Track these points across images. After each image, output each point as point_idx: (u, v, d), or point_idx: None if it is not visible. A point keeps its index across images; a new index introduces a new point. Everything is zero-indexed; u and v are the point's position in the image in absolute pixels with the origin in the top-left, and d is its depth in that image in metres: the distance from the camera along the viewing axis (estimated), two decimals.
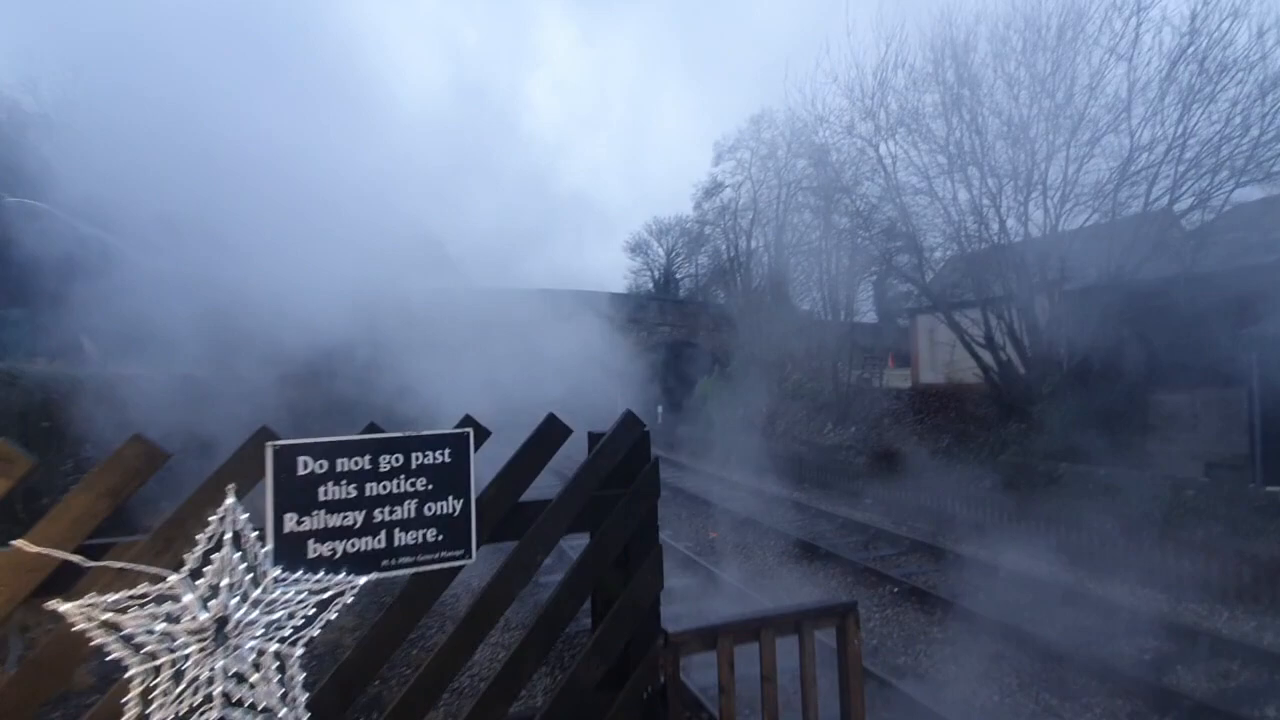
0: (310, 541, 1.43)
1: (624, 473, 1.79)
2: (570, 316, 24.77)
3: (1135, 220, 12.26)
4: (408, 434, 1.54)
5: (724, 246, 41.04)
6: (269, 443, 1.42)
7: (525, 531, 1.75)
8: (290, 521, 1.42)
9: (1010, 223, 13.46)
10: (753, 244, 38.46)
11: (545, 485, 1.76)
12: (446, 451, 1.58)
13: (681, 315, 29.79)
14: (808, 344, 26.27)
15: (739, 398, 24.58)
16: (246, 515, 1.39)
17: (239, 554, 1.36)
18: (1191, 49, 11.10)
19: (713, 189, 40.23)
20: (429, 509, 1.57)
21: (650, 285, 47.04)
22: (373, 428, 1.55)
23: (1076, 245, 12.78)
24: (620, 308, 27.38)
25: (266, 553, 1.39)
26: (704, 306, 32.74)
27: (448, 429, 1.58)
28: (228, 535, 1.37)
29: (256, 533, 1.39)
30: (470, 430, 1.59)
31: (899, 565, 9.30)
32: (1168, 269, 12.05)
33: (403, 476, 1.54)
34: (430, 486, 1.57)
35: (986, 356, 13.88)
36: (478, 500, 1.65)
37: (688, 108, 77.39)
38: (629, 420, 1.81)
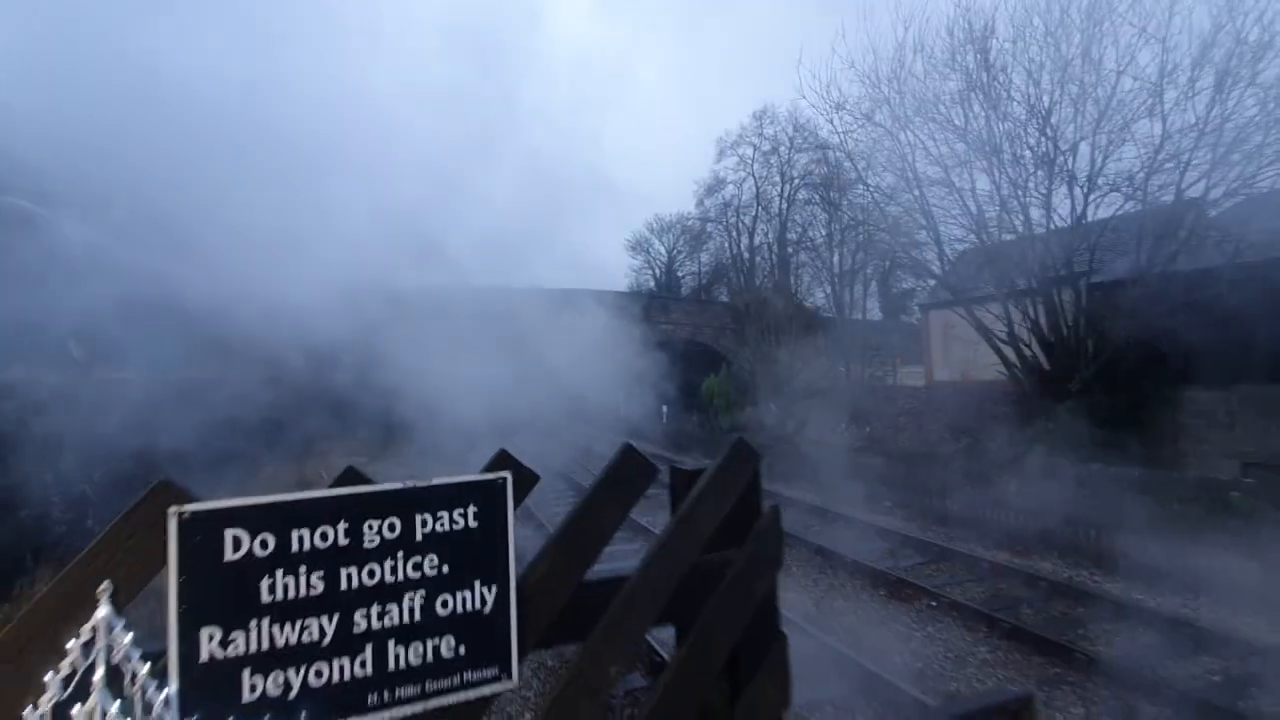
0: (246, 673, 0.87)
1: (732, 529, 1.22)
2: (570, 314, 24.20)
3: (1167, 210, 11.71)
4: (409, 484, 0.97)
5: (727, 244, 40.53)
6: (173, 507, 0.85)
7: (592, 629, 1.15)
8: (210, 641, 0.85)
9: (1034, 213, 12.91)
10: (755, 240, 37.96)
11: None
12: (471, 510, 1.02)
13: (685, 313, 29.22)
14: (815, 341, 25.73)
15: (746, 397, 24.02)
16: (131, 636, 0.81)
17: (116, 704, 0.78)
18: (1228, 26, 10.54)
19: (715, 186, 39.70)
20: (444, 604, 1.01)
21: (651, 283, 46.46)
22: (352, 475, 0.98)
23: (1105, 236, 12.22)
24: (622, 305, 26.80)
25: (168, 699, 0.80)
26: (707, 304, 32.16)
27: (469, 474, 1.01)
28: (98, 673, 0.78)
29: (148, 664, 0.81)
30: (508, 474, 1.03)
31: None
32: (1203, 260, 11.50)
33: (401, 555, 0.98)
34: (446, 568, 1.01)
35: (1010, 353, 13.32)
36: (520, 584, 1.09)
37: (689, 102, 76.80)
38: (740, 451, 1.25)
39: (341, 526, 0.95)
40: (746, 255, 38.46)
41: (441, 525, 1.02)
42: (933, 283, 19.75)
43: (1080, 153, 12.07)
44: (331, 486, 0.98)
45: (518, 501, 1.07)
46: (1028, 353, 13.18)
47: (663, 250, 47.64)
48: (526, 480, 1.09)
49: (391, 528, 0.98)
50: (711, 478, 1.19)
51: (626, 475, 1.19)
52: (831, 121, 14.63)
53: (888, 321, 35.86)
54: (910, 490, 12.19)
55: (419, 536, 1.00)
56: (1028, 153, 12.59)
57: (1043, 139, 12.31)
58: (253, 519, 0.89)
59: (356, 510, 0.97)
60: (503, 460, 1.06)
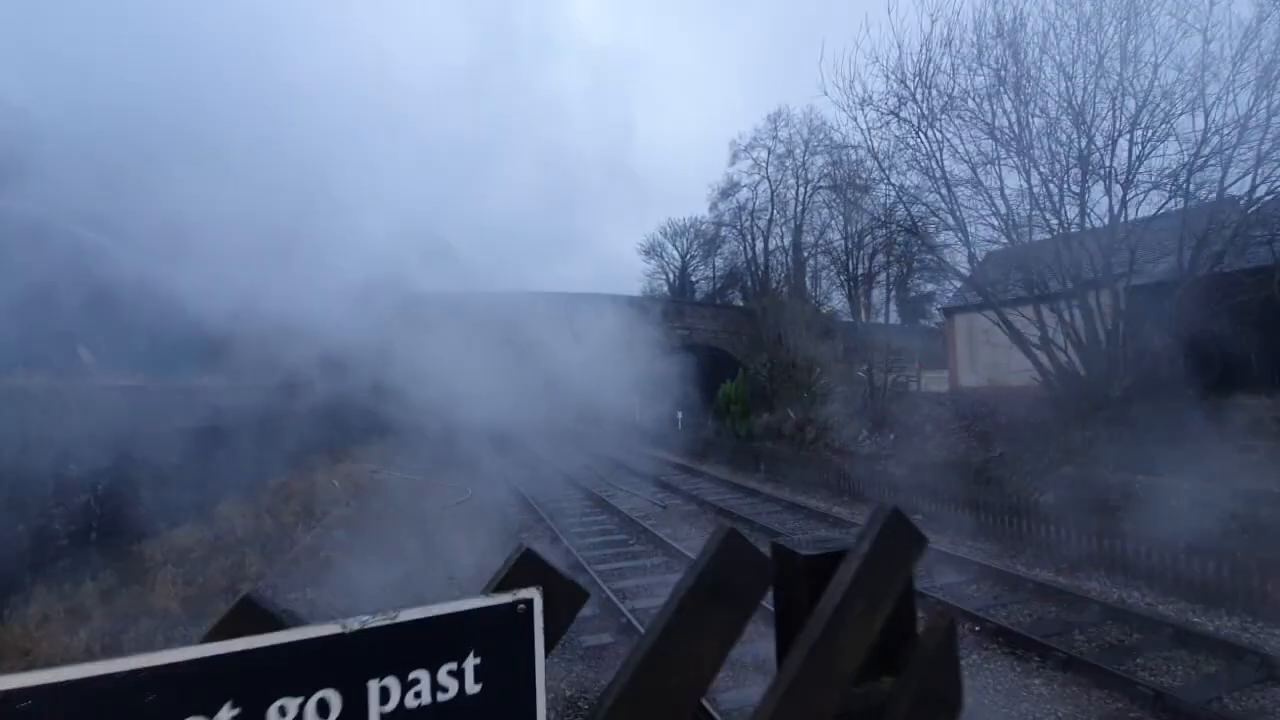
0: None
1: (880, 647, 0.80)
2: (583, 319, 23.89)
3: (1210, 208, 11.16)
4: (355, 624, 0.55)
5: (741, 247, 40.10)
6: None
7: None
8: None
9: (1069, 212, 12.40)
10: (770, 244, 37.49)
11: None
12: (472, 664, 0.60)
13: (700, 317, 28.79)
14: (834, 346, 25.21)
15: (764, 403, 23.55)
16: None
17: None
18: (1272, 17, 10.02)
19: (729, 189, 39.30)
20: None
21: (665, 288, 46.09)
22: (248, 613, 0.60)
23: (1146, 236, 11.68)
24: (636, 310, 26.43)
25: None
26: (722, 309, 31.71)
27: (469, 597, 0.64)
28: None
29: None
30: (535, 593, 0.60)
31: None
32: (1251, 260, 10.96)
33: None
34: None
35: (1043, 358, 12.79)
36: None
37: (702, 104, 76.52)
38: (895, 529, 0.83)
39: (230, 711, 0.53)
40: (761, 259, 38.00)
41: (418, 697, 0.58)
42: (958, 285, 19.21)
43: (1118, 148, 11.57)
44: (214, 633, 0.57)
45: (555, 637, 0.66)
46: (1063, 358, 12.65)
47: (676, 254, 47.30)
48: (567, 599, 0.66)
49: (322, 711, 0.56)
50: (858, 573, 0.78)
51: (729, 580, 0.77)
52: (855, 119, 14.20)
53: (906, 326, 35.22)
54: (987, 513, 10.68)
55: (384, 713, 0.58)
56: (1061, 149, 12.10)
57: (1078, 134, 11.82)
58: (41, 701, 0.49)
59: (251, 685, 0.54)
60: (527, 568, 0.64)
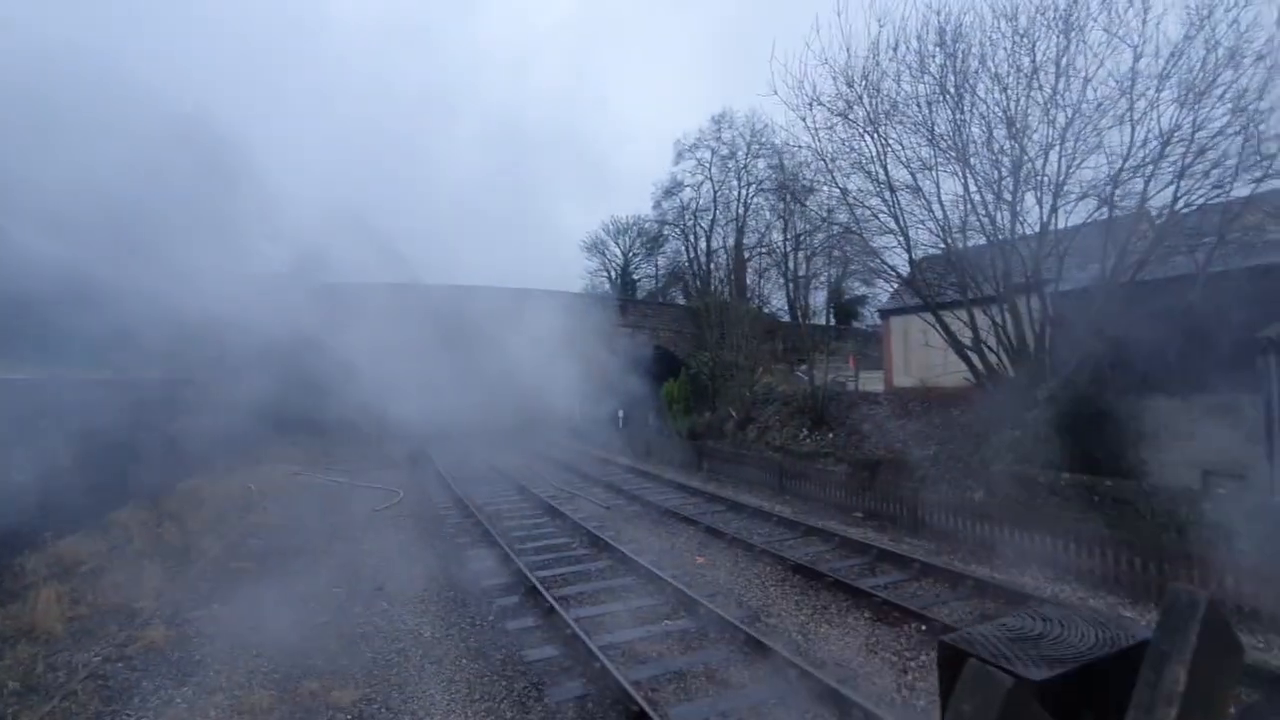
0: None
1: None
2: (523, 315, 23.26)
3: (1133, 218, 11.70)
4: None
5: (684, 247, 40.20)
6: None
7: None
8: None
9: (1001, 219, 12.77)
10: (713, 244, 37.71)
11: None
12: None
13: (642, 316, 28.57)
14: (774, 346, 25.47)
15: (706, 402, 23.54)
16: None
17: None
18: (1201, 34, 10.53)
19: (672, 188, 39.32)
20: None
21: (607, 286, 45.70)
22: None
23: (1073, 243, 12.16)
24: (578, 307, 25.96)
25: None
26: (664, 307, 31.62)
27: None
28: None
29: None
30: None
31: None
32: (1171, 269, 11.53)
33: None
34: None
35: (975, 360, 13.16)
36: None
37: (647, 102, 76.31)
38: (1209, 628, 0.53)
39: None
40: (704, 259, 38.17)
41: None
42: (893, 288, 19.67)
43: (1050, 159, 11.97)
44: None
45: None
46: (994, 360, 13.04)
47: (619, 252, 47.01)
48: None
49: None
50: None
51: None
52: (804, 119, 14.25)
53: (841, 326, 36.10)
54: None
55: None
56: (996, 158, 12.44)
57: (1012, 144, 12.18)
58: None
59: None
60: None
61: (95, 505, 10.41)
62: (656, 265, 45.98)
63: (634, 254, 46.70)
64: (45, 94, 11.99)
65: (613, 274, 47.00)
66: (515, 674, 6.03)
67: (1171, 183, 10.88)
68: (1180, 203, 10.78)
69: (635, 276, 46.84)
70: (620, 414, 25.92)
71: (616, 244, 46.72)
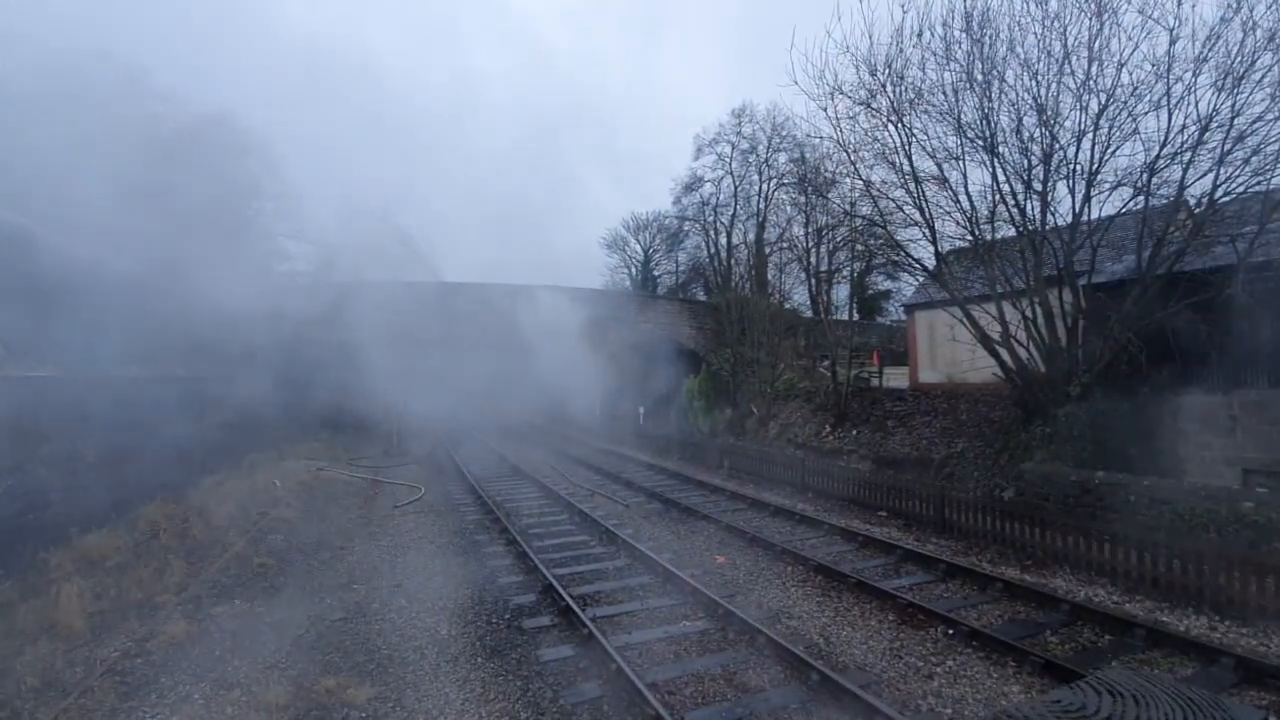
0: None
1: None
2: (544, 312, 23.24)
3: (1170, 207, 11.25)
4: None
5: (704, 242, 39.92)
6: None
7: None
8: None
9: (1031, 209, 12.38)
10: (734, 239, 37.36)
11: None
12: None
13: (662, 312, 28.40)
14: (796, 341, 25.15)
15: (726, 398, 23.33)
16: None
17: None
18: (1238, 16, 10.08)
19: (692, 184, 39.03)
20: None
21: (628, 282, 45.61)
22: None
23: (1106, 234, 11.73)
24: (598, 303, 25.89)
25: None
26: (685, 303, 31.41)
27: None
28: None
29: None
30: None
31: None
32: (1210, 260, 11.08)
33: None
34: None
35: (1005, 355, 12.78)
36: None
37: (667, 99, 76.00)
38: None
39: None
40: (724, 254, 37.85)
41: None
42: (918, 282, 19.25)
43: (1082, 146, 11.56)
44: None
45: None
46: (1024, 355, 12.66)
47: (639, 248, 46.87)
48: None
49: None
50: None
51: None
52: (825, 109, 13.93)
53: (865, 322, 35.56)
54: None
55: None
56: (1026, 146, 12.05)
57: (1042, 131, 11.79)
58: None
59: None
60: None
61: (121, 500, 10.58)
62: (677, 261, 45.78)
63: (654, 250, 46.54)
64: (78, 100, 12.23)
65: (633, 271, 46.91)
66: (531, 674, 5.95)
67: (1210, 170, 10.45)
68: (1220, 191, 10.34)
69: (656, 273, 46.69)
70: (641, 411, 25.83)
71: (637, 240, 46.61)
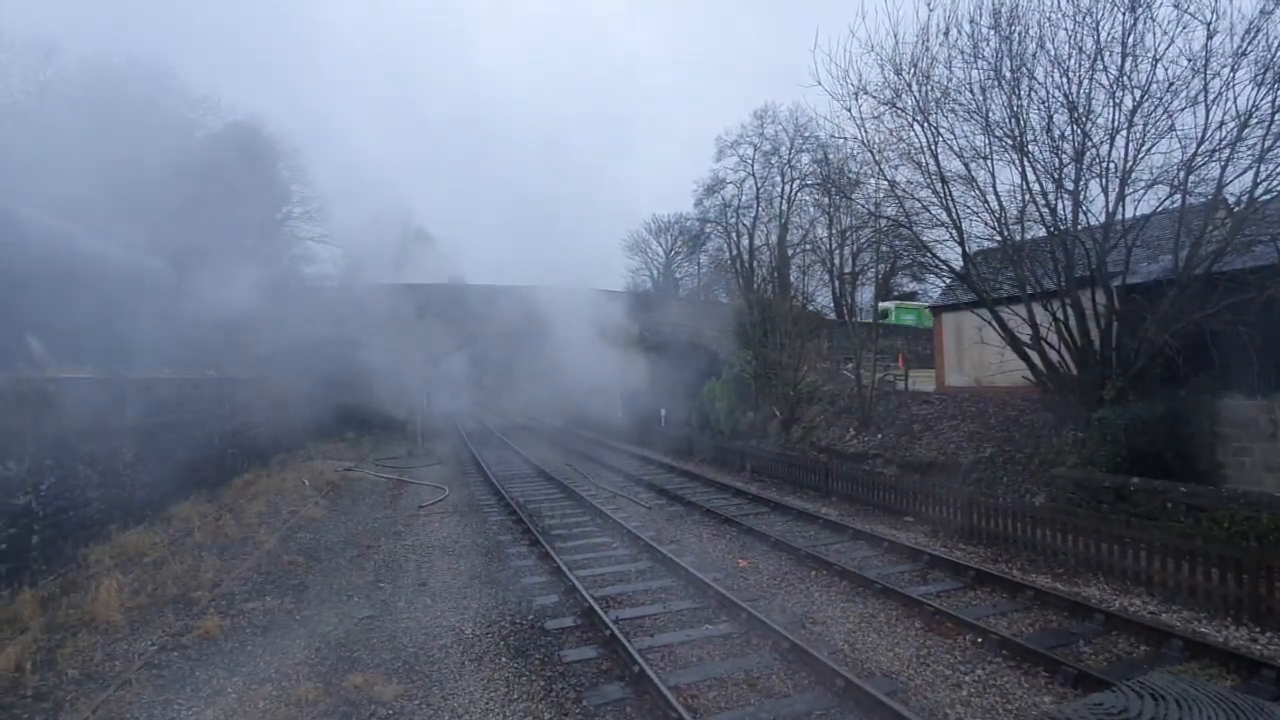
0: None
1: None
2: (566, 314, 23.35)
3: (1208, 205, 10.94)
4: None
5: (726, 245, 39.81)
6: None
7: None
8: None
9: (1062, 209, 12.12)
10: (756, 241, 37.20)
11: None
12: None
13: (684, 314, 28.36)
14: (819, 344, 24.93)
15: (749, 401, 23.20)
16: None
17: None
18: (1278, 9, 9.78)
19: (714, 186, 38.97)
20: None
21: (649, 285, 45.63)
22: None
23: (1141, 233, 11.44)
24: (620, 306, 25.93)
25: None
26: (707, 306, 31.32)
27: None
28: None
29: None
30: None
31: None
32: (1250, 260, 10.74)
33: None
34: None
35: (1035, 358, 12.52)
36: None
37: (688, 100, 75.96)
38: None
39: None
40: (747, 256, 37.70)
41: None
42: (945, 284, 18.96)
43: (1116, 144, 11.29)
44: None
45: None
46: (1055, 358, 12.39)
47: (660, 251, 46.88)
48: None
49: None
50: None
51: None
52: (849, 109, 13.77)
53: (891, 325, 35.13)
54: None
55: None
56: (1057, 144, 11.80)
57: (1074, 129, 11.54)
58: None
59: None
60: None
61: (157, 498, 10.87)
62: (698, 264, 45.71)
63: (676, 253, 46.50)
64: (109, 106, 12.60)
65: (655, 273, 46.92)
66: (554, 675, 5.98)
67: (1250, 167, 10.12)
68: (1260, 189, 10.01)
69: (678, 275, 46.66)
70: (663, 413, 25.80)
71: (658, 243, 46.64)
